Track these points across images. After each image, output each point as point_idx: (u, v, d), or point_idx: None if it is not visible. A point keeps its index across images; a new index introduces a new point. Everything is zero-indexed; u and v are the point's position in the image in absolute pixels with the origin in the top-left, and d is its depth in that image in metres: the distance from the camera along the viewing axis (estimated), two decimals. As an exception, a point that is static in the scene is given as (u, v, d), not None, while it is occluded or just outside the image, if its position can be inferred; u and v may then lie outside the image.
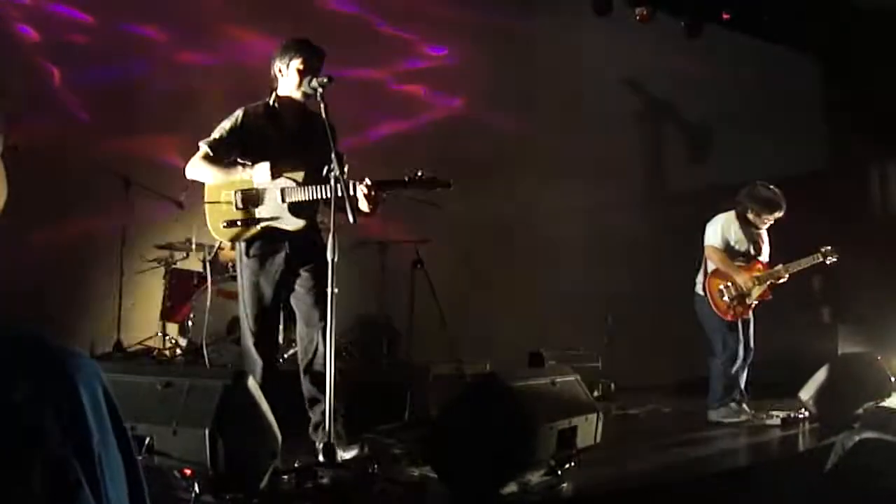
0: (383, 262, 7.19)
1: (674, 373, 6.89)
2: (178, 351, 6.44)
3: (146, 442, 2.98)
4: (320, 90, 3.98)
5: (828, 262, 6.15)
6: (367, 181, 3.95)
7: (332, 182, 3.86)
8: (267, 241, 4.21)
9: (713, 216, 6.16)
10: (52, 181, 6.39)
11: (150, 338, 6.53)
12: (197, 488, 3.02)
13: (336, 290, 3.79)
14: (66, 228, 6.59)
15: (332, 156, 3.89)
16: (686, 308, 6.46)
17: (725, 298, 5.92)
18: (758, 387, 7.30)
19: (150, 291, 6.74)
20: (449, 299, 6.09)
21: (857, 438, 4.00)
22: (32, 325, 0.88)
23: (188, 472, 3.03)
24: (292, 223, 4.14)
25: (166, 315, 6.53)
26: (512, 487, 3.34)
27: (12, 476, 0.76)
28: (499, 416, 3.32)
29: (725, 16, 9.43)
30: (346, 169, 3.95)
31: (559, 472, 3.54)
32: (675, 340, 6.94)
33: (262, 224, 4.16)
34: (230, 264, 6.51)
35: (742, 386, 6.05)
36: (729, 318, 5.93)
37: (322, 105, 3.97)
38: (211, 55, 7.56)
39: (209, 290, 4.78)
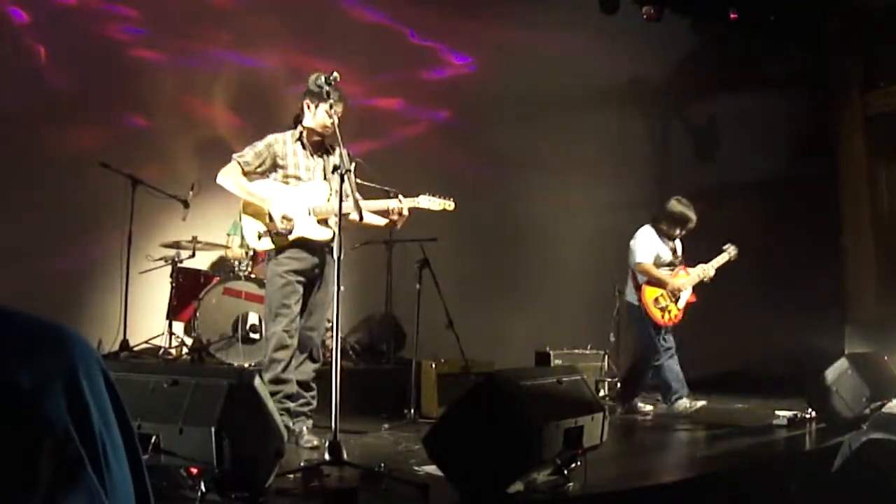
0: (389, 261, 7.19)
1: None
2: (185, 349, 6.46)
3: (152, 440, 2.98)
4: (326, 88, 4.24)
5: (732, 259, 6.61)
6: (400, 197, 4.49)
7: (339, 179, 3.95)
8: (299, 249, 4.64)
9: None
10: (57, 180, 6.41)
11: (157, 336, 6.54)
12: (203, 487, 3.02)
13: (342, 288, 3.84)
14: (71, 227, 6.60)
15: (340, 152, 4.06)
16: (691, 308, 6.47)
17: (660, 305, 6.32)
18: (764, 387, 7.30)
19: (157, 290, 6.75)
20: (455, 298, 6.09)
21: (863, 439, 3.98)
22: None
23: (194, 470, 3.03)
24: (320, 234, 4.63)
25: (172, 314, 6.54)
26: (518, 486, 3.34)
27: (21, 461, 0.77)
28: (505, 415, 3.32)
29: (733, 15, 9.41)
30: (353, 167, 4.07)
31: (565, 472, 3.53)
32: (681, 339, 6.92)
33: (294, 236, 4.60)
34: (236, 263, 6.54)
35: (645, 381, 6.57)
36: (667, 323, 6.34)
37: (330, 101, 4.27)
38: (223, 57, 7.60)
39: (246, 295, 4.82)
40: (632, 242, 6.45)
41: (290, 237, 4.60)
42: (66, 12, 7.04)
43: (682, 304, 6.38)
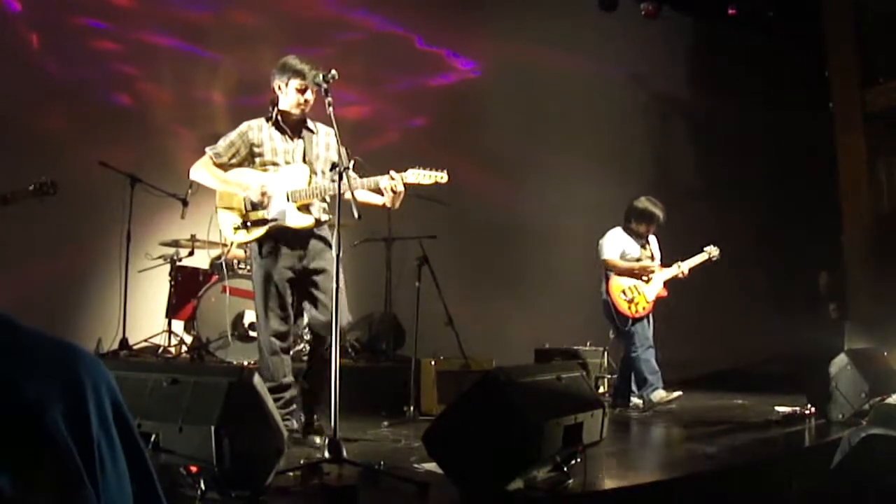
0: (389, 258, 7.18)
1: (678, 369, 6.88)
2: (184, 348, 6.45)
3: (152, 439, 2.97)
4: (325, 85, 4.09)
5: (713, 259, 6.78)
6: (392, 173, 4.23)
7: (338, 178, 3.90)
8: (278, 240, 4.43)
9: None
10: (55, 179, 6.41)
11: (156, 335, 6.54)
12: (203, 485, 3.01)
13: (342, 286, 3.82)
14: (70, 226, 6.59)
15: (339, 150, 3.96)
16: (691, 305, 6.49)
17: (626, 298, 6.50)
18: (764, 383, 7.30)
19: (156, 289, 6.75)
20: (454, 296, 6.09)
21: (863, 434, 3.98)
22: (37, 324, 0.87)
23: (194, 469, 3.03)
24: (299, 221, 4.40)
25: (172, 312, 6.54)
26: (518, 484, 3.33)
27: (22, 471, 0.76)
28: (504, 412, 3.31)
29: (732, 12, 9.41)
30: (351, 165, 4.02)
31: (565, 469, 3.53)
32: (680, 337, 6.94)
33: (271, 224, 4.39)
34: (235, 262, 6.54)
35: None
36: (635, 315, 6.49)
37: (328, 100, 4.06)
38: (223, 56, 7.62)
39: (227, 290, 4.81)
40: (600, 241, 6.69)
41: (268, 226, 4.40)
42: (61, 6, 7.04)
43: (651, 296, 6.54)
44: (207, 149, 4.52)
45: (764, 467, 4.41)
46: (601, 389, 7.01)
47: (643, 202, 6.67)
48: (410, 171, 4.28)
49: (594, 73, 9.13)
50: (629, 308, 6.49)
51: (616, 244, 6.65)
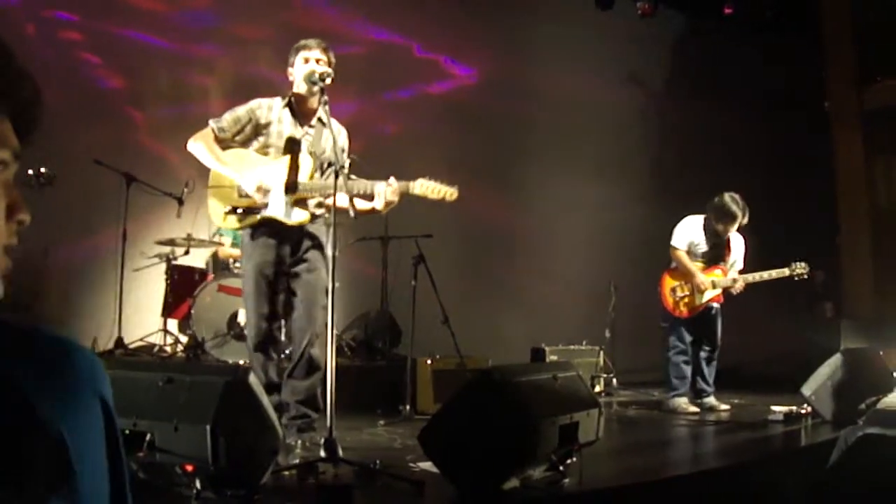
0: (385, 257, 7.18)
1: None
2: (180, 347, 6.44)
3: (147, 438, 2.97)
4: (321, 84, 4.05)
5: (795, 278, 6.34)
6: (392, 180, 4.00)
7: (334, 177, 3.85)
8: (270, 231, 4.25)
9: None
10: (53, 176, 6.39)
11: (152, 334, 6.52)
12: (198, 484, 3.01)
13: (337, 285, 3.80)
14: (66, 224, 6.57)
15: (335, 150, 3.92)
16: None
17: (675, 296, 6.29)
18: (761, 382, 7.29)
19: (151, 288, 6.73)
20: (450, 294, 6.08)
21: (860, 434, 3.98)
22: (35, 321, 0.87)
23: (189, 468, 3.02)
24: (293, 216, 4.22)
25: (167, 311, 6.53)
26: (514, 483, 3.33)
27: (14, 471, 0.75)
28: (500, 411, 3.31)
29: (727, 10, 9.41)
30: (347, 164, 3.95)
31: (561, 468, 3.53)
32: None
33: (263, 215, 4.21)
34: (231, 261, 6.52)
35: (711, 379, 6.38)
36: (677, 314, 6.28)
37: (324, 98, 4.05)
38: (219, 56, 7.62)
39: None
40: (676, 226, 6.40)
41: (259, 215, 4.19)
42: (60, 2, 7.03)
43: (702, 300, 6.25)
44: (211, 121, 4.28)
45: (761, 467, 4.41)
46: (597, 389, 7.00)
47: (723, 198, 6.21)
48: (420, 181, 3.99)
49: (590, 73, 9.13)
50: (674, 307, 6.28)
51: (686, 233, 6.33)
